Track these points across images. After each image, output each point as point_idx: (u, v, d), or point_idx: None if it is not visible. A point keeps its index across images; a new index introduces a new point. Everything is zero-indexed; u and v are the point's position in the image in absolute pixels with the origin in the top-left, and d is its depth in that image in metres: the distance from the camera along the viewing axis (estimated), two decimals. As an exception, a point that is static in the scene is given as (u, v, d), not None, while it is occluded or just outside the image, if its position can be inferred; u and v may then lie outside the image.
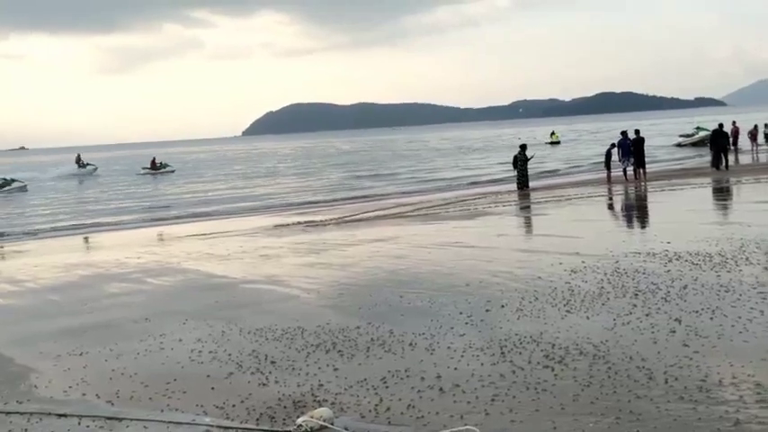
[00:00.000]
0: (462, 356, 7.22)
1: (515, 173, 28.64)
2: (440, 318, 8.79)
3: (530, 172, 29.26)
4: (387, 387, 6.49)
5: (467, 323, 8.47)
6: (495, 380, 6.47)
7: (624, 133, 28.84)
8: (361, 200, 32.12)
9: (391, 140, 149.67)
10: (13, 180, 56.80)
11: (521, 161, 28.26)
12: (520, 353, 7.19)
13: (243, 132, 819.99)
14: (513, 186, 28.61)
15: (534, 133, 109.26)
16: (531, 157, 29.28)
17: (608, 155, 29.26)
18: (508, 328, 8.12)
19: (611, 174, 28.61)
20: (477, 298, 9.68)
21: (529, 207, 21.88)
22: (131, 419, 6.15)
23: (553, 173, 40.47)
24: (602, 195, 23.87)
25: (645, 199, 22.15)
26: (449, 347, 7.56)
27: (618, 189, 25.01)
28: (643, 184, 26.31)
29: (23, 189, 55.02)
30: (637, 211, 19.93)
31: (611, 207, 21.46)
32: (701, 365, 6.43)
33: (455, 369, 6.84)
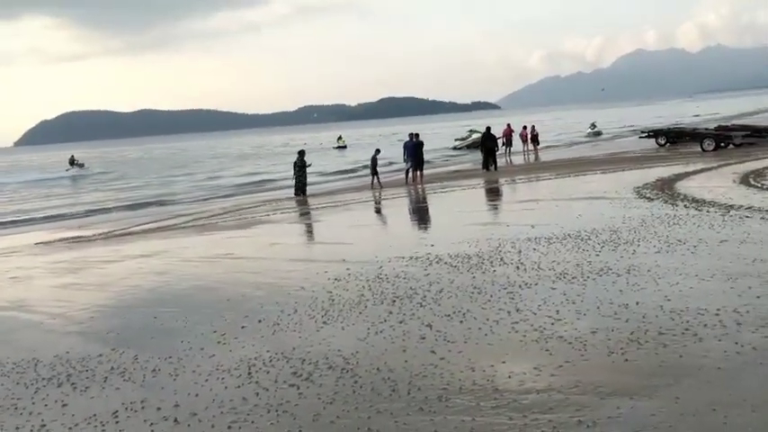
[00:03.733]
0: (207, 380, 6.80)
1: (293, 179, 28.47)
2: (192, 338, 8.32)
3: (312, 177, 29.23)
4: (117, 422, 5.96)
5: (219, 342, 8.06)
6: (237, 404, 6.11)
7: (411, 135, 29.36)
8: (136, 210, 30.80)
9: (181, 148, 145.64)
10: None
11: (298, 167, 28.14)
12: (268, 372, 6.88)
13: (15, 143, 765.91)
14: (280, 193, 28.55)
15: (320, 138, 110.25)
16: (309, 165, 29.16)
17: (373, 161, 29.39)
18: (261, 345, 7.80)
19: (376, 179, 28.77)
20: (235, 314, 9.29)
21: (307, 214, 21.78)
22: None
23: (337, 174, 40.84)
24: (377, 200, 24.14)
25: (417, 202, 22.71)
26: (194, 371, 7.12)
27: (391, 193, 25.42)
28: (419, 186, 26.95)
29: None
30: (407, 215, 20.30)
31: (382, 212, 21.69)
32: (445, 373, 6.41)
33: (196, 395, 6.42)
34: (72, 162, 75.46)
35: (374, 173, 28.84)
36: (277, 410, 5.91)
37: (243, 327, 8.63)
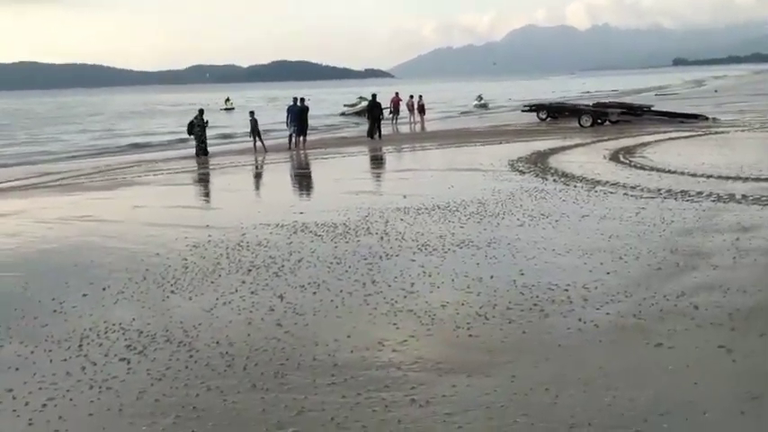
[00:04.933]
0: (32, 353, 6.35)
1: (193, 138, 27.19)
2: (28, 306, 7.79)
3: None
4: None
5: (55, 311, 7.57)
6: (59, 379, 5.71)
7: (295, 99, 28.70)
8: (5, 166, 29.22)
9: (64, 104, 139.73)
10: None
11: (198, 126, 26.85)
12: (100, 344, 6.48)
13: None
14: (171, 153, 27.55)
15: (210, 99, 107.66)
16: (207, 122, 27.67)
17: (253, 123, 28.37)
18: (100, 314, 7.36)
19: (260, 143, 28.08)
20: (80, 280, 8.78)
21: (181, 176, 21.03)
22: None
23: (228, 138, 39.75)
24: (257, 165, 23.59)
25: (296, 168, 22.33)
26: (21, 342, 6.64)
27: (272, 158, 24.91)
28: (302, 152, 26.51)
29: None
30: (283, 181, 19.81)
31: (258, 177, 21.20)
32: (287, 348, 6.18)
33: (17, 369, 5.99)
34: None
35: (256, 136, 28.02)
36: (101, 387, 5.54)
37: (84, 294, 8.15)
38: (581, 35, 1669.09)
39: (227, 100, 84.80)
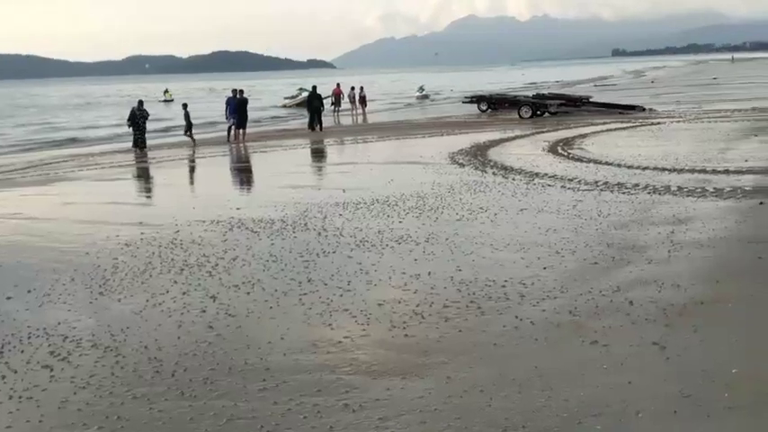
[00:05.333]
0: (-52, 362, 6.06)
1: (131, 130, 26.26)
2: (-53, 311, 7.45)
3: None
4: None
5: (-25, 316, 7.26)
6: (-24, 390, 5.45)
7: (234, 91, 28.23)
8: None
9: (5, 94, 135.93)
10: None
11: (140, 117, 26.01)
12: (22, 351, 6.23)
13: None
14: (108, 147, 26.85)
15: (149, 90, 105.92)
16: (147, 115, 26.77)
17: (186, 115, 27.35)
18: (23, 319, 7.08)
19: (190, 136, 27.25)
20: (5, 282, 8.47)
21: (116, 171, 20.52)
22: None
23: (167, 131, 38.91)
24: (192, 158, 23.15)
25: (235, 162, 22.01)
26: (-63, 351, 6.34)
27: (210, 151, 24.49)
28: (241, 145, 26.12)
29: None
30: (220, 175, 19.45)
31: (195, 171, 20.81)
32: (218, 351, 6.01)
33: (-70, 379, 5.70)
34: None
35: (189, 128, 27.32)
36: (21, 397, 5.31)
37: (8, 298, 7.86)
38: (521, 26, 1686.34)
39: (166, 91, 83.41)
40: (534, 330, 6.15)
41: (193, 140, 26.79)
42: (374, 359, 5.70)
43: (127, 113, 27.02)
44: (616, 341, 5.81)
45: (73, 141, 36.99)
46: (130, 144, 25.98)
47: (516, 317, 6.47)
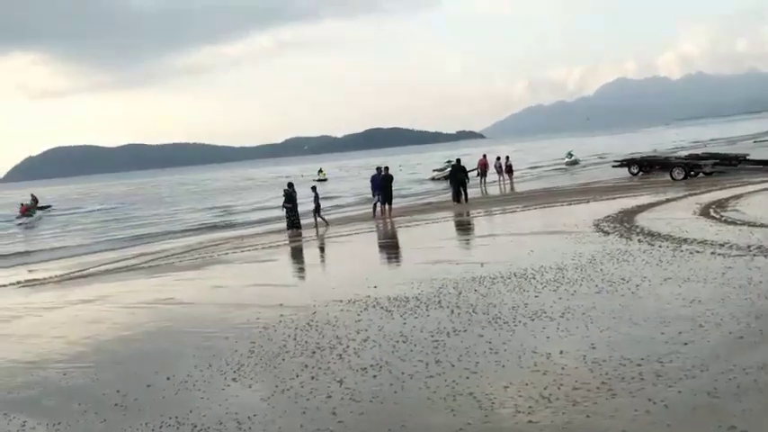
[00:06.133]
0: (86, 451, 6.31)
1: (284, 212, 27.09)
2: (90, 401, 7.81)
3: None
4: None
5: (116, 404, 7.57)
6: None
7: (379, 169, 28.86)
8: (110, 249, 30.04)
9: (177, 181, 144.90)
10: None
11: (293, 198, 26.73)
12: (153, 440, 6.40)
13: (0, 179, 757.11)
14: (263, 228, 27.84)
15: (305, 170, 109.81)
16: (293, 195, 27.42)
17: (315, 198, 27.47)
18: (159, 408, 7.31)
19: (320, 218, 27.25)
20: (148, 369, 8.82)
21: (264, 252, 21.21)
22: None
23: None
24: (342, 235, 23.59)
25: (380, 237, 22.25)
26: (77, 439, 6.63)
27: (356, 228, 24.92)
28: (388, 220, 26.47)
29: None
30: (361, 253, 19.65)
31: (341, 248, 21.14)
32: (337, 439, 5.95)
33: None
34: (35, 204, 62.58)
35: (317, 210, 27.31)
36: (145, 488, 5.42)
37: (149, 385, 8.15)
38: (674, 84, 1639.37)
39: (320, 171, 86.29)
40: (667, 415, 5.74)
41: (325, 222, 27.03)
42: (493, 448, 5.47)
43: (281, 194, 27.51)
44: (757, 427, 5.32)
45: (228, 226, 38.54)
46: (284, 225, 26.75)
47: (649, 399, 6.07)
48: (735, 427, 5.36)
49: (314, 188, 28.29)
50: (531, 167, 61.33)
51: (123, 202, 74.89)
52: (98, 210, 66.79)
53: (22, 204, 60.08)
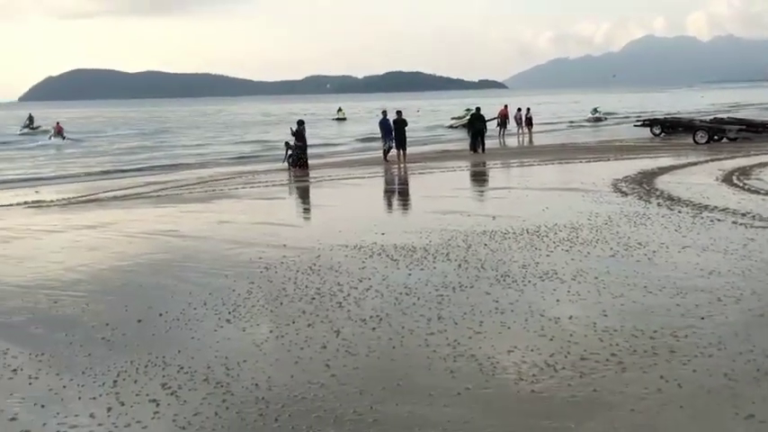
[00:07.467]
0: (64, 387, 6.02)
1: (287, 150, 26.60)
2: (77, 333, 7.51)
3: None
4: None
5: (103, 338, 7.28)
6: (80, 422, 5.34)
7: (384, 113, 28.34)
8: (120, 175, 29.69)
9: (195, 111, 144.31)
10: None
11: (301, 136, 26.36)
12: (136, 381, 6.10)
13: (19, 98, 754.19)
14: (276, 165, 27.40)
15: (325, 108, 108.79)
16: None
17: (287, 146, 26.84)
18: (147, 345, 7.01)
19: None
20: (140, 303, 8.52)
21: (276, 189, 20.85)
22: None
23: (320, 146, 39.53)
24: (355, 178, 23.14)
25: (392, 183, 21.85)
26: (57, 374, 6.34)
27: (369, 171, 24.48)
28: (402, 166, 26.00)
29: None
30: (372, 198, 19.29)
31: (351, 191, 20.68)
32: (328, 396, 5.64)
33: (42, 407, 5.66)
34: (30, 123, 63.73)
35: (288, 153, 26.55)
36: (120, 433, 5.14)
37: (139, 320, 7.86)
38: (703, 46, 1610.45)
39: (339, 110, 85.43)
40: (680, 395, 5.37)
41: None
42: (491, 420, 5.13)
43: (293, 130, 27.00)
44: (777, 417, 4.96)
45: (243, 158, 38.07)
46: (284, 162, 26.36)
47: (661, 377, 5.70)
48: (753, 416, 4.99)
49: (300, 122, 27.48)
50: (552, 122, 60.31)
51: (156, 129, 73.95)
52: (129, 134, 66.61)
53: (57, 123, 58.66)
